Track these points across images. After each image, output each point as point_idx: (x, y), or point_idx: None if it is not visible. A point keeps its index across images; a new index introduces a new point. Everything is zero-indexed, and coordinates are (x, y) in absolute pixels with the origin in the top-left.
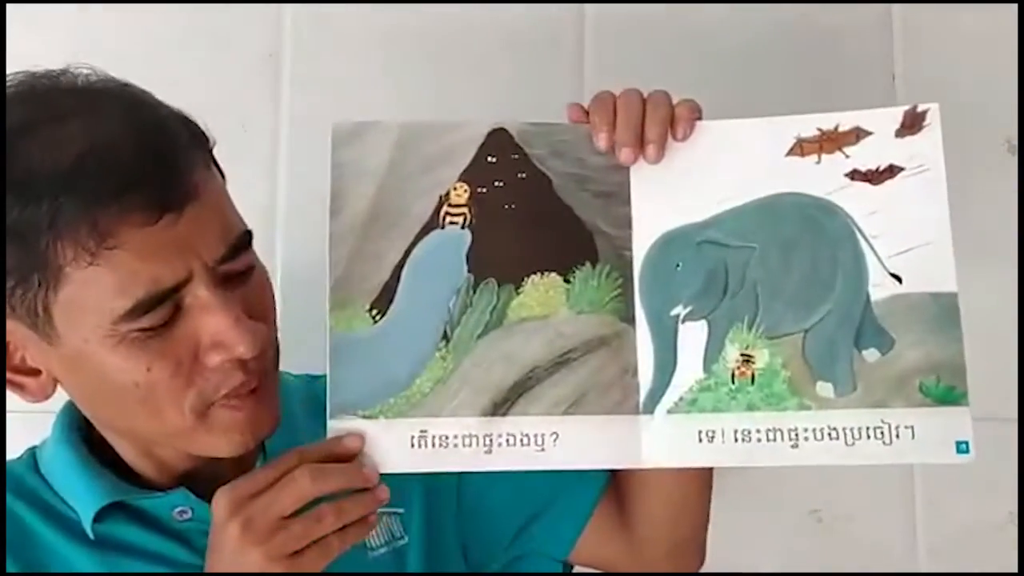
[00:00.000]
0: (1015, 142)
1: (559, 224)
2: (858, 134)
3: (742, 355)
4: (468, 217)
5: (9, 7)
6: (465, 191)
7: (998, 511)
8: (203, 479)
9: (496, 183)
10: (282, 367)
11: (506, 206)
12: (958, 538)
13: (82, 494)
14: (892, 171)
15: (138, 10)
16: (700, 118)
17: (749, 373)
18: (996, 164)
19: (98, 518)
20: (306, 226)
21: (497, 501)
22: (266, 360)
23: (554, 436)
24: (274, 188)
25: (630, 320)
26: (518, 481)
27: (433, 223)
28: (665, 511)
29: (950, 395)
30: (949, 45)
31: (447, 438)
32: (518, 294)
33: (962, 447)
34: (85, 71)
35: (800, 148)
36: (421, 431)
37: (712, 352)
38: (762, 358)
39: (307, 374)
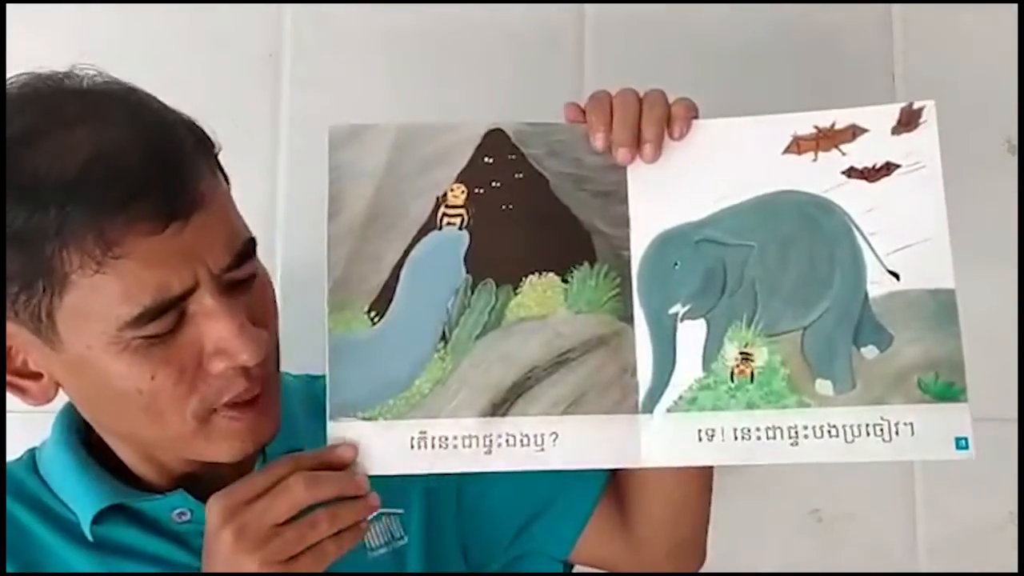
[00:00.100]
0: (1015, 142)
1: (557, 224)
2: (854, 131)
3: (741, 353)
4: (466, 218)
5: (10, 7)
6: (462, 192)
7: (998, 511)
8: (202, 481)
9: (493, 184)
10: (282, 367)
11: (503, 206)
12: (958, 538)
13: (81, 496)
14: (889, 168)
15: (138, 10)
16: (697, 117)
17: (748, 371)
18: (996, 164)
19: (97, 520)
20: (306, 226)
21: (497, 501)
22: (268, 366)
23: (553, 436)
24: (274, 188)
25: (628, 319)
26: (518, 481)
27: (431, 224)
28: (665, 511)
29: (949, 391)
30: (949, 45)
31: (447, 439)
32: (516, 294)
33: (961, 443)
34: (90, 72)
35: (797, 146)
36: (421, 432)
37: (711, 351)
38: (761, 356)
39: (307, 374)
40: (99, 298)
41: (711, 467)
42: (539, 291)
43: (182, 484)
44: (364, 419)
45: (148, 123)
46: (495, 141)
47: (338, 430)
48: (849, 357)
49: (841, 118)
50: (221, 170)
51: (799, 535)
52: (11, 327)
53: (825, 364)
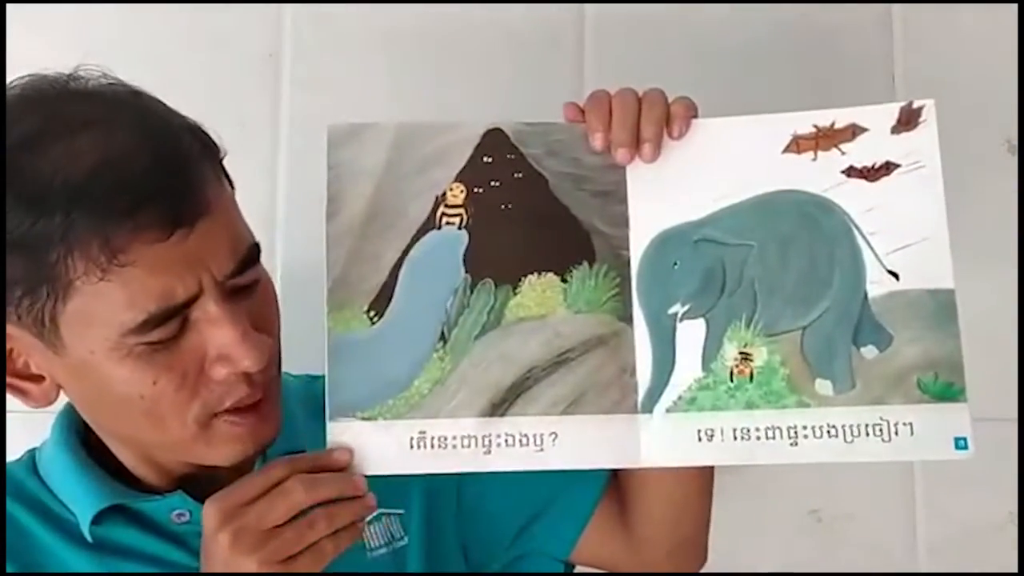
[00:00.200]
0: (1015, 142)
1: (556, 224)
2: (854, 131)
3: (740, 353)
4: (465, 217)
5: (9, 7)
6: (461, 191)
7: (998, 511)
8: (201, 482)
9: (492, 183)
10: (282, 367)
11: (503, 206)
12: (958, 538)
13: (80, 497)
14: (888, 168)
15: (138, 10)
16: (696, 116)
17: (748, 371)
18: (996, 164)
19: (96, 521)
20: (306, 226)
21: (497, 501)
22: (270, 371)
23: (553, 436)
24: (274, 188)
25: (628, 319)
26: (518, 481)
27: (430, 224)
28: (665, 511)
29: (948, 391)
30: (949, 45)
31: (446, 439)
32: (515, 294)
33: (961, 443)
34: (95, 74)
35: (796, 145)
36: (420, 432)
37: (710, 350)
38: (760, 356)
39: (307, 374)
40: (103, 304)
41: (711, 467)
42: (538, 291)
43: (181, 485)
44: (363, 419)
45: (154, 129)
46: (494, 141)
47: (337, 430)
48: (849, 357)
49: (841, 117)
50: (226, 174)
51: (799, 535)
52: (13, 330)
53: (825, 364)
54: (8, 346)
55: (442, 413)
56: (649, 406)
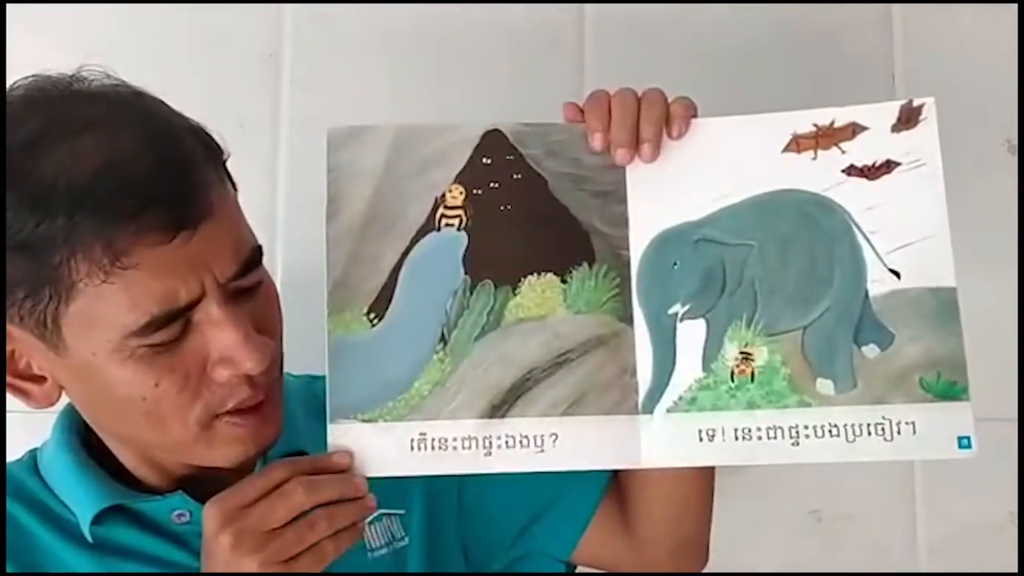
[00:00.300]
0: (1015, 142)
1: (555, 224)
2: (854, 129)
3: (741, 353)
4: (464, 219)
5: (9, 7)
6: (461, 193)
7: (998, 511)
8: (201, 483)
9: (492, 184)
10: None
11: (502, 207)
12: (958, 538)
13: (81, 497)
14: (889, 166)
15: (138, 10)
16: (695, 116)
17: (748, 371)
18: (996, 164)
19: (96, 521)
20: (306, 226)
21: (498, 502)
22: (272, 373)
23: (553, 437)
24: (274, 188)
25: (628, 320)
26: (519, 482)
27: (429, 225)
28: (666, 511)
29: (951, 390)
30: (949, 45)
31: (446, 440)
32: (515, 295)
33: (964, 442)
34: (98, 75)
35: (796, 144)
36: (420, 434)
37: (711, 350)
38: (761, 356)
39: (308, 374)
40: (105, 306)
41: (712, 467)
42: (538, 292)
43: (181, 486)
44: (364, 421)
45: (158, 130)
46: (493, 142)
47: (338, 432)
48: (850, 356)
49: (841, 116)
50: (229, 177)
51: (799, 535)
52: (16, 331)
53: (826, 363)
54: (10, 347)
55: (442, 415)
56: (650, 406)
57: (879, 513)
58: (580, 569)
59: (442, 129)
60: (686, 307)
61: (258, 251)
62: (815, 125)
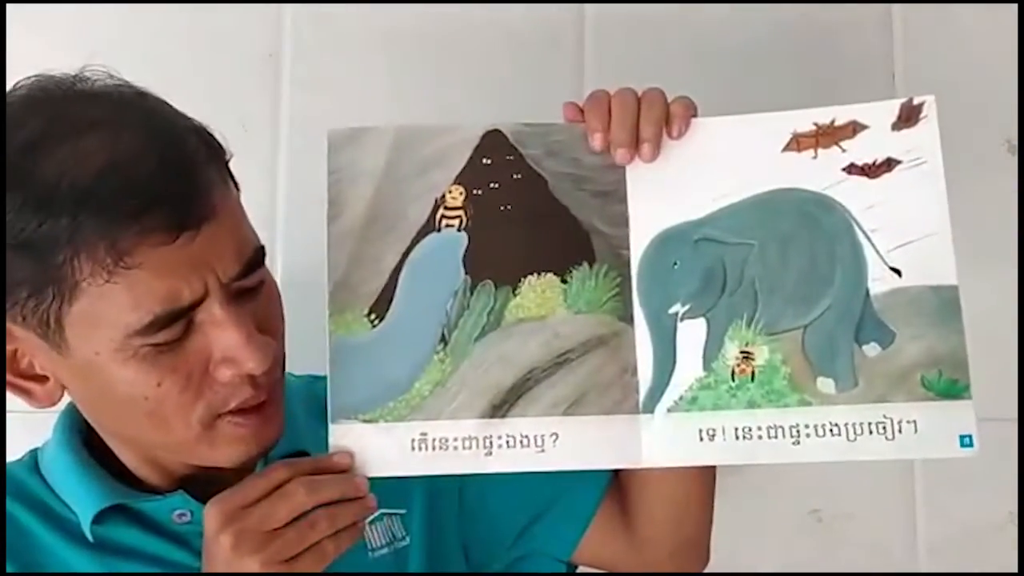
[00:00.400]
0: (1015, 142)
1: (555, 224)
2: (854, 128)
3: (742, 352)
4: (464, 219)
5: (9, 7)
6: (461, 193)
7: (998, 511)
8: (202, 483)
9: (492, 185)
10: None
11: (502, 207)
12: (958, 538)
13: (82, 496)
14: (889, 164)
15: (138, 10)
16: (695, 115)
17: (749, 370)
18: (996, 164)
19: (97, 520)
20: (306, 226)
21: (499, 502)
22: (274, 373)
23: (554, 437)
24: (274, 189)
25: (628, 319)
26: (520, 482)
27: (430, 226)
28: (667, 511)
29: (952, 388)
30: (949, 45)
31: (447, 440)
32: (515, 295)
33: (966, 441)
34: (100, 74)
35: (796, 143)
36: (421, 434)
37: (711, 350)
38: (762, 355)
39: (310, 375)
40: (108, 306)
41: (713, 467)
42: (538, 292)
43: (182, 485)
44: (365, 421)
45: (161, 131)
46: (493, 142)
47: (339, 433)
48: (851, 355)
49: (841, 115)
50: (231, 177)
51: (799, 535)
52: (18, 331)
53: (827, 362)
54: (13, 347)
55: (443, 415)
56: (650, 406)
57: (879, 513)
58: (581, 569)
59: (442, 130)
60: (686, 306)
61: (261, 251)
62: (815, 124)
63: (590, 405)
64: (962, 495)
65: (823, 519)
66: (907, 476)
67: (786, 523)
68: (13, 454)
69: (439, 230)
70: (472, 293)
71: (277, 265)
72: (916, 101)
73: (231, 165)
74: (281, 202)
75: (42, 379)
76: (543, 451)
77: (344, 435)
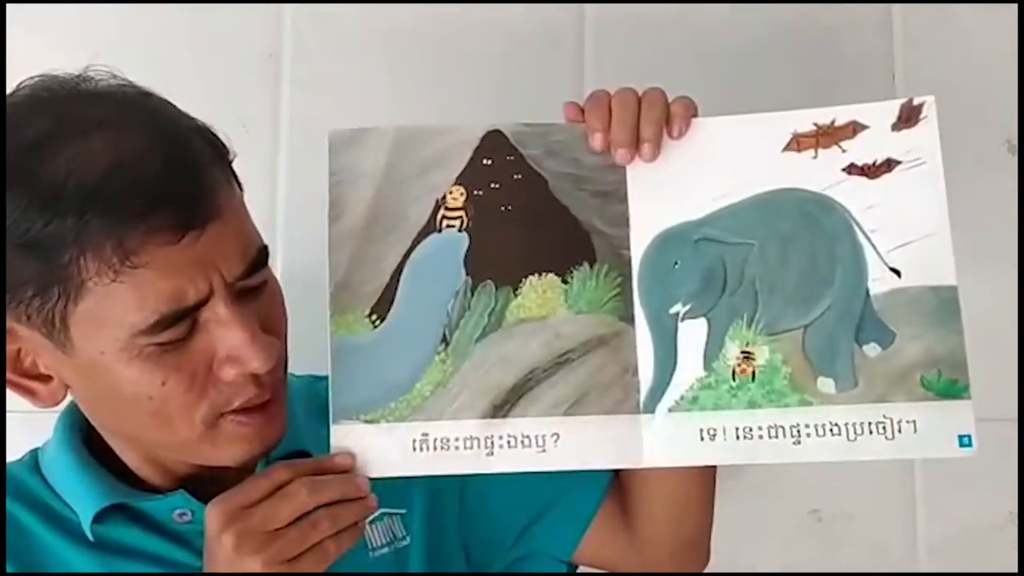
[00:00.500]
0: (1015, 142)
1: (556, 224)
2: (854, 128)
3: (742, 352)
4: (465, 220)
5: (9, 7)
6: (461, 194)
7: (998, 511)
8: (203, 482)
9: (492, 185)
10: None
11: (503, 208)
12: (958, 538)
13: (82, 495)
14: (889, 165)
15: (138, 10)
16: (696, 115)
17: (750, 370)
18: (996, 164)
19: (98, 519)
20: (306, 226)
21: (500, 502)
22: (278, 372)
23: (555, 437)
24: (274, 189)
25: (629, 319)
26: (521, 482)
27: (430, 227)
28: (668, 511)
29: (952, 389)
30: (949, 45)
31: (448, 441)
32: (516, 296)
33: (964, 440)
34: (103, 74)
35: (796, 143)
36: (422, 434)
37: (712, 350)
38: (762, 355)
39: (311, 375)
40: (114, 305)
41: (713, 467)
42: (539, 292)
43: (183, 485)
44: (366, 422)
45: (166, 130)
46: (493, 143)
47: (341, 433)
48: (851, 355)
49: (841, 115)
50: (235, 177)
51: (799, 535)
52: (22, 330)
53: (827, 362)
54: (16, 346)
55: (444, 415)
56: (651, 406)
57: (879, 513)
58: (581, 569)
59: (442, 130)
60: (687, 306)
61: (264, 251)
62: (815, 124)
63: (591, 405)
64: (962, 495)
65: (823, 519)
66: (907, 476)
67: (786, 523)
68: (13, 454)
69: (440, 231)
70: (473, 294)
71: (277, 265)
72: (916, 102)
73: (232, 165)
74: (281, 202)
75: (46, 379)
76: (544, 451)
77: (345, 435)
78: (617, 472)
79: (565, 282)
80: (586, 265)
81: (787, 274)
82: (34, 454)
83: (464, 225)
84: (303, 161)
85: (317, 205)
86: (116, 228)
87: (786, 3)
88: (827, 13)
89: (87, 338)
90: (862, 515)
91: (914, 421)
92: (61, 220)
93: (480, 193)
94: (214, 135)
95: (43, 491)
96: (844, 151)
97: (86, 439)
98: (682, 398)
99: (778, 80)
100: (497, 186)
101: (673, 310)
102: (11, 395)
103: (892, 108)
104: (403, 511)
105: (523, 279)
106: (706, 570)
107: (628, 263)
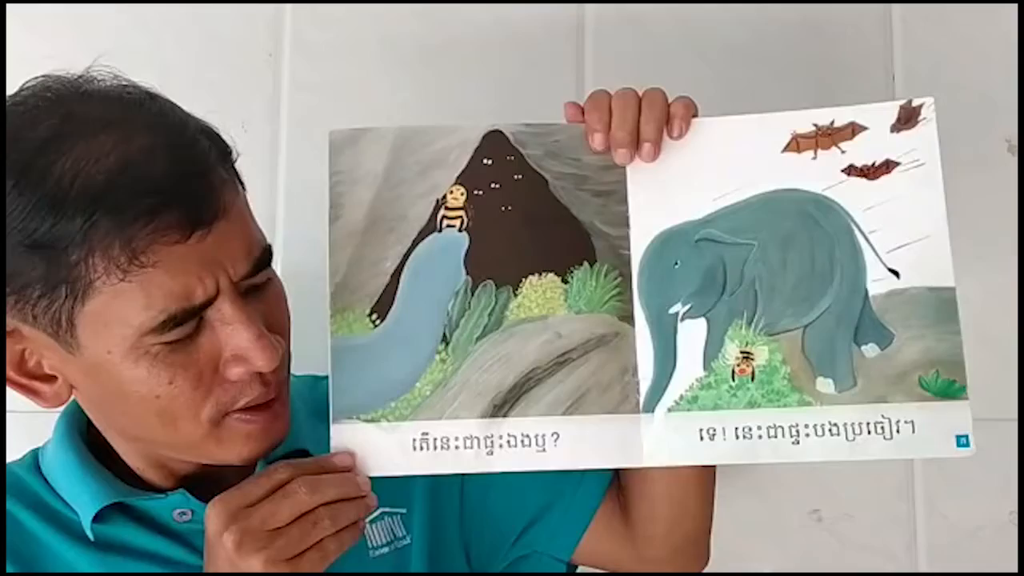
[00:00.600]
0: (1015, 142)
1: (556, 224)
2: (854, 129)
3: (742, 352)
4: (465, 220)
5: (9, 7)
6: (462, 194)
7: (998, 511)
8: (203, 481)
9: (492, 185)
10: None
11: (503, 208)
12: (958, 538)
13: (82, 495)
14: (888, 166)
15: (138, 10)
16: (696, 115)
17: (749, 370)
18: (996, 164)
19: (98, 519)
20: (306, 226)
21: (500, 502)
22: (282, 371)
23: (555, 436)
24: (274, 189)
25: (629, 319)
26: (521, 482)
27: (431, 227)
28: (667, 511)
29: (950, 389)
30: (949, 45)
31: (448, 440)
32: (516, 295)
33: (962, 441)
34: (106, 75)
35: (796, 144)
36: (423, 434)
37: (712, 350)
38: (762, 355)
39: (311, 375)
40: (122, 305)
41: (713, 466)
42: (539, 292)
43: (183, 484)
44: (366, 421)
45: (172, 131)
46: (494, 143)
47: (341, 432)
48: (850, 355)
49: (840, 116)
50: (238, 177)
51: (799, 535)
52: (28, 330)
53: (826, 362)
54: (21, 346)
55: (444, 415)
56: (651, 406)
57: (879, 513)
58: (581, 569)
59: (442, 131)
60: (687, 306)
61: (269, 251)
62: (815, 125)
63: (591, 405)
64: (962, 495)
65: (823, 519)
66: (907, 476)
67: (786, 523)
68: (13, 454)
69: (440, 230)
70: (473, 293)
71: (278, 265)
72: (915, 103)
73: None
74: (281, 202)
75: (50, 379)
76: (544, 451)
77: (345, 435)
78: (617, 472)
79: (565, 282)
80: (586, 265)
81: (787, 274)
82: (34, 454)
83: (464, 225)
84: (303, 161)
85: (317, 205)
86: (125, 228)
87: (786, 3)
88: (827, 13)
89: (94, 338)
90: (862, 515)
91: (912, 421)
92: (69, 220)
93: (480, 193)
94: (218, 135)
95: (43, 491)
96: (843, 152)
97: (86, 439)
98: (682, 398)
99: (778, 80)
100: (497, 186)
101: (673, 310)
102: (11, 395)
103: (891, 109)
104: (403, 510)
105: (523, 279)
106: (706, 570)
107: (628, 263)
